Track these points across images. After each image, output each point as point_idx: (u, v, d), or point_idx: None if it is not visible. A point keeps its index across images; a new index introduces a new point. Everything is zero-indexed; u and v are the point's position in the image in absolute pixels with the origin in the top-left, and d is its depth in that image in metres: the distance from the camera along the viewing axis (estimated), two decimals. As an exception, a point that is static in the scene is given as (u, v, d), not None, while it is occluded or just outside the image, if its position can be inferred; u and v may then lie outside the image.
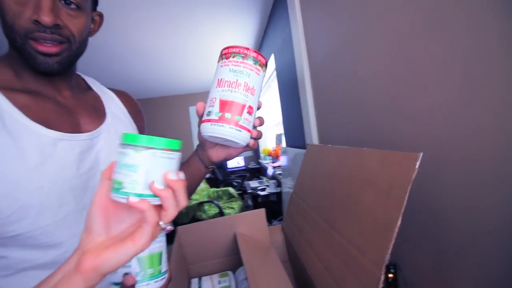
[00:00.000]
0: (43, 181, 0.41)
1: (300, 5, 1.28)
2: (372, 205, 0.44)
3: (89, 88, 0.58)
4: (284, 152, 2.29)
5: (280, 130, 2.90)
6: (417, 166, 0.36)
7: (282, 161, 2.45)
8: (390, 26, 0.62)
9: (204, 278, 0.71)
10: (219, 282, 0.69)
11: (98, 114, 0.54)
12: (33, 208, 0.39)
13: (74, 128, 0.47)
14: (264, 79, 2.07)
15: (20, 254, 0.40)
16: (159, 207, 0.30)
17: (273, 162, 3.44)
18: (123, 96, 0.64)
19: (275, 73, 2.35)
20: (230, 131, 0.42)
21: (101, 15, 0.55)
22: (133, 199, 0.28)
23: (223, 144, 0.51)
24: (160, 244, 0.42)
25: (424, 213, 0.56)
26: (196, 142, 5.30)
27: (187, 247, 0.72)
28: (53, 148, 0.43)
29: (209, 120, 0.43)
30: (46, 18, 0.39)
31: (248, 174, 4.60)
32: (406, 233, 0.61)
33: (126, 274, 0.38)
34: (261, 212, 0.77)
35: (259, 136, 0.46)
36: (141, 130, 0.65)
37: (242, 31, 2.63)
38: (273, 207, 2.78)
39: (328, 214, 0.58)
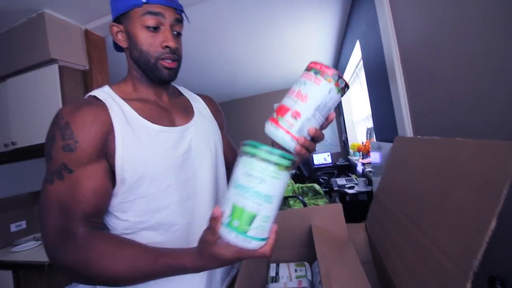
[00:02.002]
0: (152, 159, 0.55)
1: (386, -18, 1.15)
2: (462, 203, 0.37)
3: (180, 94, 0.75)
4: (375, 148, 2.09)
5: (371, 123, 2.66)
6: (519, 157, 0.29)
7: (373, 157, 2.24)
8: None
9: (281, 265, 0.75)
10: (296, 271, 0.71)
11: (188, 113, 0.68)
12: (146, 178, 0.54)
13: (171, 123, 0.62)
14: (351, 69, 1.93)
15: (136, 217, 0.55)
16: None
17: (363, 158, 3.19)
18: (206, 98, 0.79)
19: (361, 62, 2.18)
20: (270, 128, 0.46)
21: None
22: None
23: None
24: (256, 206, 0.38)
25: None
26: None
27: (265, 234, 0.78)
28: (157, 137, 0.57)
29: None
30: (173, 44, 0.58)
31: (335, 171, 4.41)
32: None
33: (222, 212, 0.40)
34: (338, 206, 0.74)
35: (305, 144, 0.46)
36: (221, 126, 0.79)
37: (325, 21, 2.54)
38: (363, 207, 2.57)
39: (414, 212, 0.52)
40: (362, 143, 3.35)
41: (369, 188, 2.57)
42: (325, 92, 0.45)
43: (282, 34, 2.66)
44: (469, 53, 0.63)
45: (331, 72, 0.45)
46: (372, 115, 2.13)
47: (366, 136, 3.21)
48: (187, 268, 0.46)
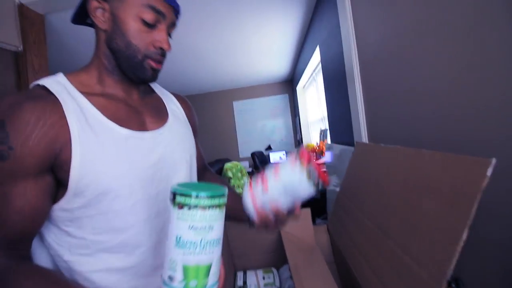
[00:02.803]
0: (118, 171, 0.47)
1: (349, -7, 1.21)
2: (433, 213, 0.40)
3: (152, 91, 0.66)
4: (329, 148, 2.21)
5: (325, 125, 2.81)
6: (488, 174, 0.32)
7: (327, 157, 2.37)
8: (457, 9, 0.55)
9: (249, 272, 0.73)
10: (263, 278, 0.70)
11: (160, 114, 0.61)
12: (110, 194, 0.46)
13: (141, 126, 0.54)
14: (309, 72, 1.99)
15: (94, 237, 0.47)
16: None
17: (317, 159, 3.35)
18: (181, 99, 0.72)
19: (320, 66, 2.27)
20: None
21: None
22: None
23: None
24: (210, 255, 0.36)
25: (498, 223, 0.50)
26: (240, 136, 5.41)
27: (233, 241, 0.75)
28: (125, 143, 0.49)
29: None
30: (167, 47, 0.52)
31: (290, 169, 4.56)
32: (474, 244, 0.55)
33: (170, 278, 0.36)
34: (307, 212, 0.76)
35: (260, 214, 0.49)
36: (195, 132, 0.72)
37: (287, 24, 2.58)
38: (316, 204, 2.71)
39: (380, 219, 0.55)
40: (317, 144, 3.53)
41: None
42: (294, 172, 0.47)
43: (245, 31, 2.63)
44: (425, 65, 0.69)
45: (305, 160, 0.47)
46: (328, 117, 2.24)
47: (320, 137, 3.38)
48: None
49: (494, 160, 0.32)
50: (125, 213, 0.47)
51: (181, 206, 0.35)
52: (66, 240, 0.46)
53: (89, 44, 0.61)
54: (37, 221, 0.43)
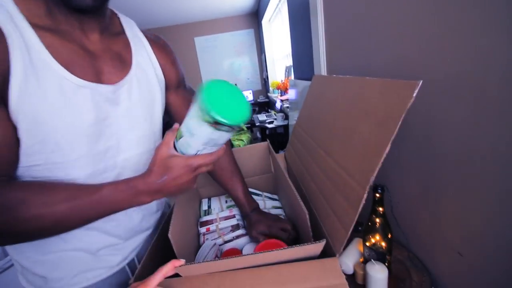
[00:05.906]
0: (60, 122, 0.42)
1: None
2: (365, 135, 0.45)
3: (122, 31, 0.55)
4: (293, 85, 2.23)
5: (290, 62, 2.77)
6: (414, 95, 0.36)
7: (290, 94, 2.41)
8: None
9: (213, 198, 0.80)
10: (226, 201, 0.78)
11: (123, 64, 0.52)
12: (48, 145, 0.42)
13: (96, 76, 0.47)
14: (274, 3, 1.87)
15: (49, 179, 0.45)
16: None
17: (281, 96, 3.39)
18: (156, 44, 0.60)
19: (285, -6, 2.11)
20: None
21: None
22: None
23: None
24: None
25: (417, 138, 0.58)
26: (204, 75, 5.14)
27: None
28: (73, 93, 0.43)
29: None
30: None
31: (256, 108, 4.61)
32: (398, 157, 0.65)
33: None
34: (265, 144, 0.80)
35: None
36: (174, 83, 0.64)
37: None
38: (280, 138, 2.89)
39: (326, 143, 0.61)
40: (281, 81, 3.52)
41: (285, 122, 2.83)
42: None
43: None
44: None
45: None
46: (292, 53, 2.20)
47: (285, 74, 3.36)
48: (140, 189, 0.42)
49: (420, 82, 0.36)
50: (67, 167, 0.45)
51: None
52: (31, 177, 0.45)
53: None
54: (8, 150, 0.40)
